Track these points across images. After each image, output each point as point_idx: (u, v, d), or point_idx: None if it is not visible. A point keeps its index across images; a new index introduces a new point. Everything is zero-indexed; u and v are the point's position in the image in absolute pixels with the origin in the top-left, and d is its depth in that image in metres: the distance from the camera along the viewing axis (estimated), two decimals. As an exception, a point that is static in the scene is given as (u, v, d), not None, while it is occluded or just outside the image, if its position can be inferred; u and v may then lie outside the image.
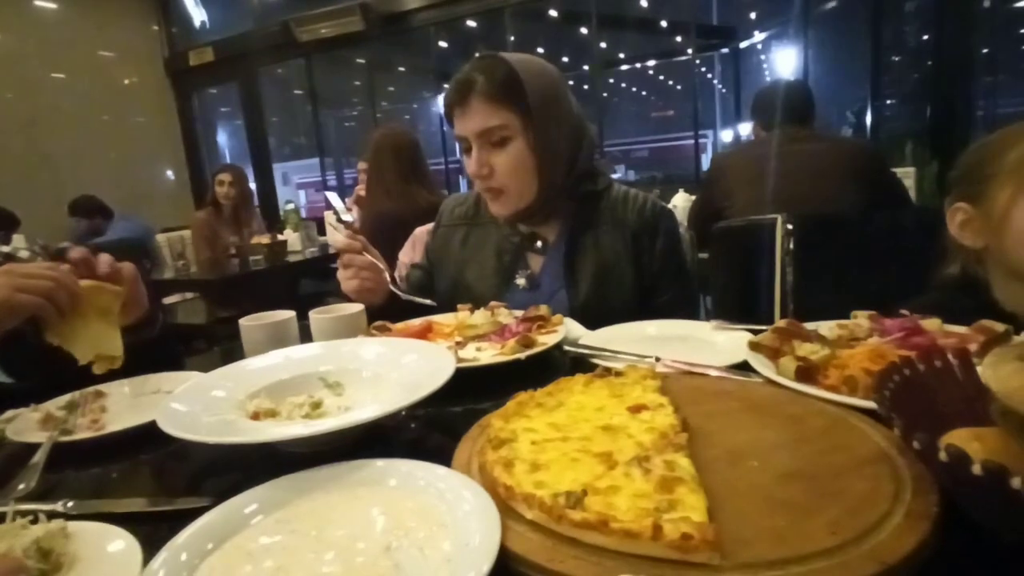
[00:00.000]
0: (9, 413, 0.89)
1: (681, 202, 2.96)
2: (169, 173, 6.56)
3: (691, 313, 1.32)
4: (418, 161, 2.70)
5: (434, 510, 0.54)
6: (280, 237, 3.95)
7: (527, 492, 0.50)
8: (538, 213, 1.26)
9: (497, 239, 1.35)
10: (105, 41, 6.01)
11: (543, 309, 1.10)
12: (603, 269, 1.25)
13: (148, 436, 0.75)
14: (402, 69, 8.43)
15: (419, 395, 0.71)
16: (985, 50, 4.33)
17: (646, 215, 1.27)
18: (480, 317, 1.11)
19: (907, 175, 2.78)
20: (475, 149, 1.18)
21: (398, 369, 0.84)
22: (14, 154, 5.21)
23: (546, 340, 0.98)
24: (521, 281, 1.31)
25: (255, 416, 0.77)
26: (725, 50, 8.69)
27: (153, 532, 0.54)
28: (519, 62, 1.17)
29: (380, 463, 0.61)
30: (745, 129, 5.48)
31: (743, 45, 8.27)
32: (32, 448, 0.76)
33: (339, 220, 4.03)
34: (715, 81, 9.57)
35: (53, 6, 5.67)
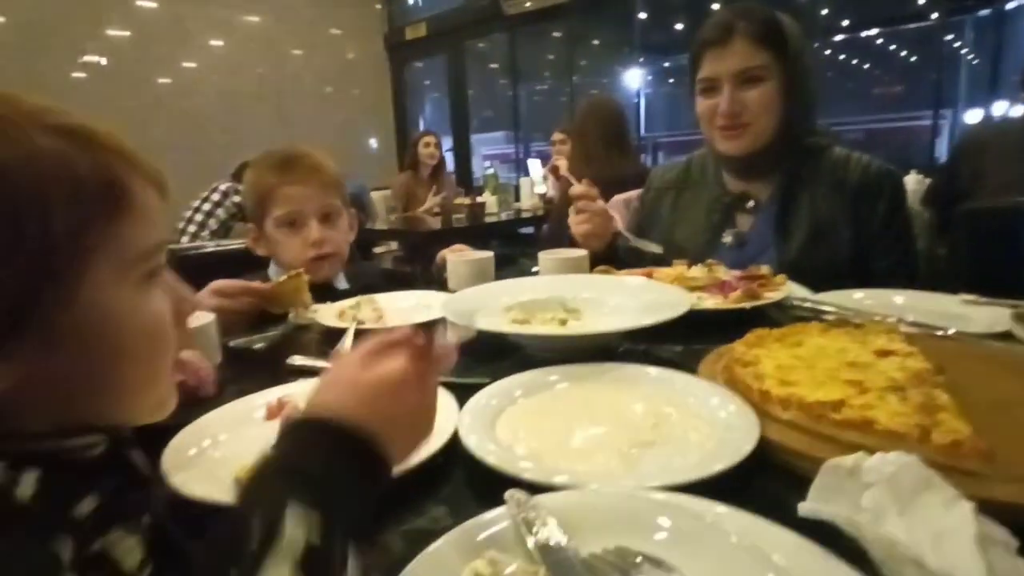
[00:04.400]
0: (315, 307, 1.16)
1: (913, 184, 2.63)
2: (373, 141, 7.38)
3: (911, 285, 1.22)
4: (621, 131, 2.75)
5: (690, 404, 0.62)
6: (479, 199, 4.30)
7: (783, 395, 0.56)
8: (763, 162, 1.27)
9: (707, 200, 1.37)
10: (336, 19, 6.83)
11: (764, 269, 1.12)
12: (817, 230, 1.23)
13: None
14: (596, 42, 8.41)
15: (661, 318, 0.79)
16: None
17: (871, 175, 1.23)
18: (698, 271, 1.16)
19: None
20: (727, 88, 1.21)
21: (634, 301, 0.94)
22: (268, 120, 6.21)
23: (771, 295, 1.00)
24: (728, 239, 1.32)
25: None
26: (984, 12, 7.27)
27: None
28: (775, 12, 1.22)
29: (632, 368, 0.71)
30: (1000, 108, 4.61)
31: (1010, 6, 6.85)
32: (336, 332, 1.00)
33: (533, 191, 4.28)
34: (964, 51, 8.08)
35: (298, -11, 6.61)
